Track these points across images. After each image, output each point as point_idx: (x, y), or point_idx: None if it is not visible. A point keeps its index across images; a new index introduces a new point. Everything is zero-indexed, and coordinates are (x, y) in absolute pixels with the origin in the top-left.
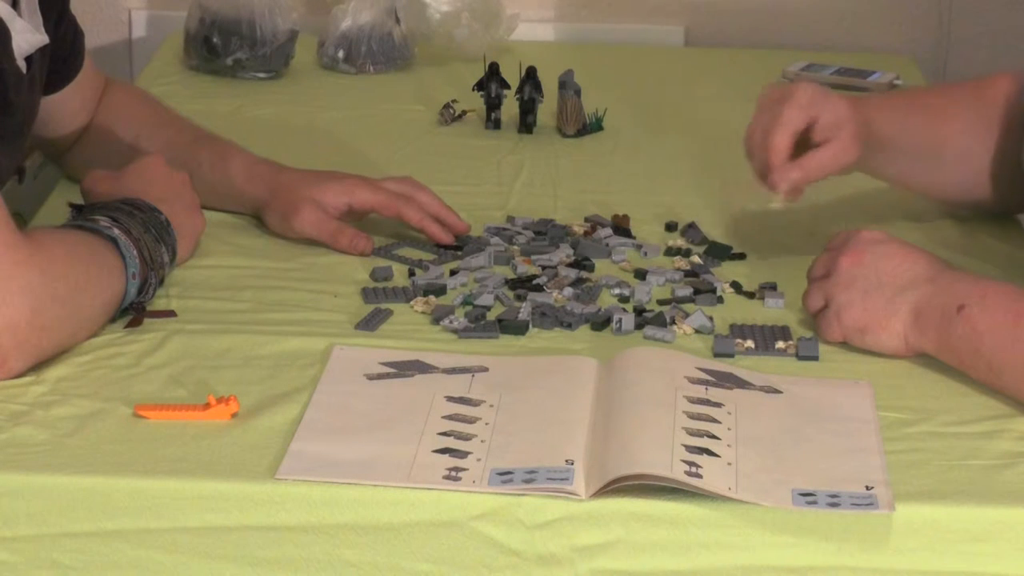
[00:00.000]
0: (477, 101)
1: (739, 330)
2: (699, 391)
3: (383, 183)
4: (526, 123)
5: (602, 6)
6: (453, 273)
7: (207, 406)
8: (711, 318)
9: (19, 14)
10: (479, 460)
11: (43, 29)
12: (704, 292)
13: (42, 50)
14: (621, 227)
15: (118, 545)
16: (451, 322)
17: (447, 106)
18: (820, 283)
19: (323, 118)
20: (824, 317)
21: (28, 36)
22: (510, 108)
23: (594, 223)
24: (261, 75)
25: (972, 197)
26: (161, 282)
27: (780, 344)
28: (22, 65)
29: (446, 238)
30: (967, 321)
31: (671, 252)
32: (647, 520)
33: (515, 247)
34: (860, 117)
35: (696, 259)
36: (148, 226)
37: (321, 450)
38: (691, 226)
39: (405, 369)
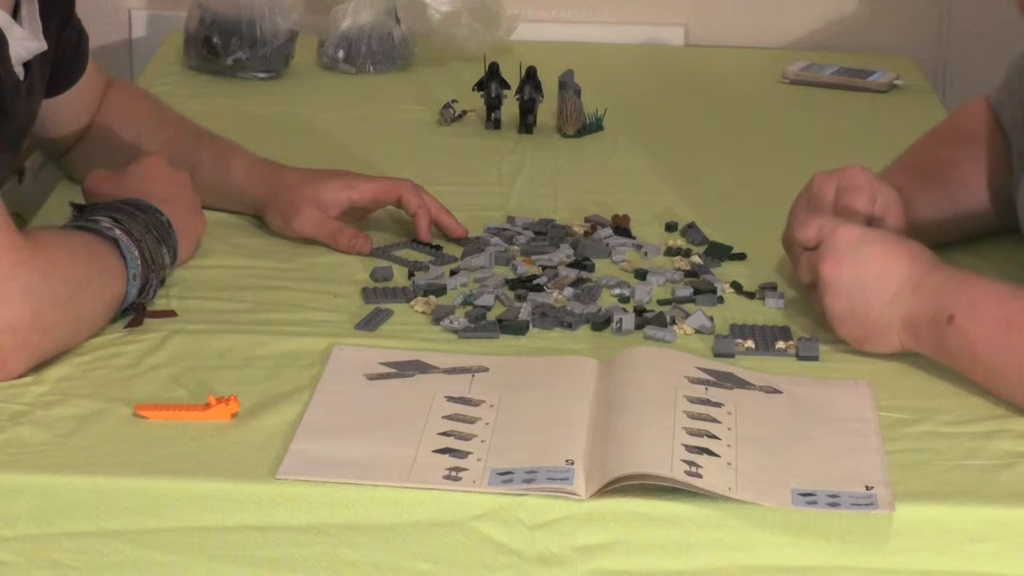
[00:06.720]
0: (477, 101)
1: (739, 330)
2: (699, 391)
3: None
4: (526, 123)
5: (602, 6)
6: (453, 273)
7: (207, 406)
8: (711, 318)
9: (19, 21)
10: (479, 460)
11: (42, 36)
12: (704, 292)
13: (42, 56)
14: (621, 227)
15: (118, 545)
16: (451, 322)
17: (447, 106)
18: (812, 290)
19: (323, 118)
20: (828, 322)
21: (26, 43)
22: (510, 108)
23: (594, 223)
24: (261, 75)
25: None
26: (162, 283)
27: (780, 344)
28: (20, 72)
29: (427, 235)
30: (959, 332)
31: (671, 252)
32: (647, 520)
33: (515, 247)
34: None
35: (696, 259)
36: (150, 227)
37: (321, 450)
38: (691, 226)
39: (405, 369)
